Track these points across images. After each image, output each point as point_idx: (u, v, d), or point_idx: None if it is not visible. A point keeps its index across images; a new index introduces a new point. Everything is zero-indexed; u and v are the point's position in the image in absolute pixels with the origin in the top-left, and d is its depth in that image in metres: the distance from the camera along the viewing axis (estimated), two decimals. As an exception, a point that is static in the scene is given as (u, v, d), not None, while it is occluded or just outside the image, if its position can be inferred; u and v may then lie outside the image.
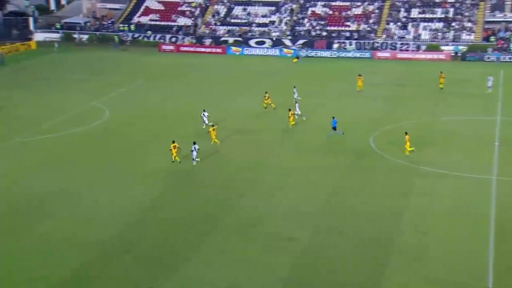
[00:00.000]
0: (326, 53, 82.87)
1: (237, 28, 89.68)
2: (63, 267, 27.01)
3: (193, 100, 56.19)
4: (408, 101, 56.61)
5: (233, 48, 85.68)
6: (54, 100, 57.25)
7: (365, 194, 35.04)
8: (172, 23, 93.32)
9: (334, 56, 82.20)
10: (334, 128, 44.79)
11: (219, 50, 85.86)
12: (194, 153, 39.19)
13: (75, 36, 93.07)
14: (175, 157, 39.49)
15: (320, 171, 38.60)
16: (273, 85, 60.89)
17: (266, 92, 53.46)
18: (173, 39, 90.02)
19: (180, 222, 31.43)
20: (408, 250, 28.52)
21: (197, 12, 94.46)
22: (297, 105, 49.87)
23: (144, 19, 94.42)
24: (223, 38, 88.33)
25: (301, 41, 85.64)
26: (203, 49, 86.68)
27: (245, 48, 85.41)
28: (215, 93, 60.33)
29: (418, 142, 43.16)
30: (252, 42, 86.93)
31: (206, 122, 46.61)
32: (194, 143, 39.52)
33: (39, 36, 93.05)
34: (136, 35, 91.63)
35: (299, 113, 49.34)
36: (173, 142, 39.62)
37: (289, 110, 48.14)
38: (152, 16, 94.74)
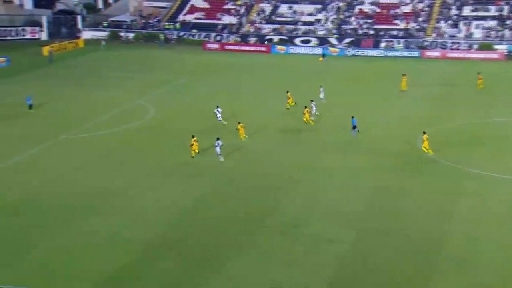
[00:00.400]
0: (373, 52, 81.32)
1: (279, 26, 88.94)
2: (106, 265, 26.89)
3: (237, 97, 55.80)
4: (458, 102, 54.80)
5: (278, 46, 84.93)
6: (99, 97, 57.67)
7: (411, 196, 33.91)
8: (217, 21, 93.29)
9: (382, 55, 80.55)
10: (354, 127, 43.74)
11: (263, 49, 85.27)
12: (218, 149, 38.87)
13: (122, 34, 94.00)
14: (197, 152, 39.54)
15: (363, 172, 37.55)
16: (315, 84, 59.67)
17: (287, 92, 52.47)
18: (218, 38, 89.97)
19: (222, 222, 31.01)
20: (456, 254, 27.42)
21: (242, 10, 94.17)
22: (313, 103, 48.78)
23: (190, 18, 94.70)
24: (268, 37, 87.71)
25: (347, 40, 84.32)
26: (247, 48, 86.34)
27: (290, 47, 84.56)
28: (259, 91, 59.79)
29: (468, 144, 41.77)
30: (297, 41, 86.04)
31: (220, 118, 47.02)
32: (218, 138, 39.19)
33: (86, 34, 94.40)
34: (182, 33, 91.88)
35: (315, 111, 48.33)
36: (193, 136, 39.64)
37: (305, 107, 47.38)
38: (197, 14, 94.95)
